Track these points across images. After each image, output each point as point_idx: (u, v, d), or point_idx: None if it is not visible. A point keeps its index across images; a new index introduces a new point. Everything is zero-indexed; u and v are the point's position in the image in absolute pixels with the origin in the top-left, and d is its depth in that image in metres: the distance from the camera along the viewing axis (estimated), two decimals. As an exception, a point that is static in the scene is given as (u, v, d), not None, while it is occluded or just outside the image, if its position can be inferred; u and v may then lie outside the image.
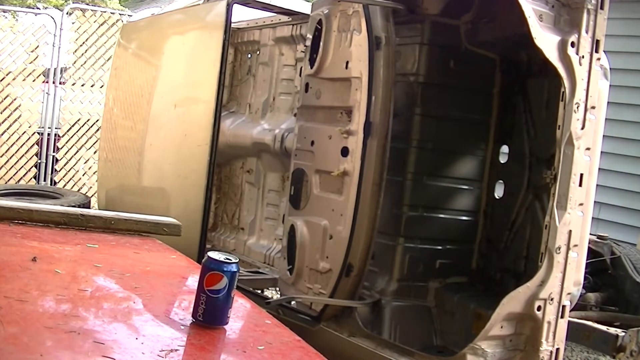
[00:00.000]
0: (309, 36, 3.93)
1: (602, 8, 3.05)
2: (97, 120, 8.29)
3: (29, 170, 8.34)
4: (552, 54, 3.01)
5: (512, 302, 3.01)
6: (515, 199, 4.05)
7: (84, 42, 8.56)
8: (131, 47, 5.56)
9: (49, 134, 8.43)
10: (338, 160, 3.61)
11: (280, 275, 4.12)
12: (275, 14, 5.00)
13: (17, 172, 8.25)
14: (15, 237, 1.99)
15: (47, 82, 8.41)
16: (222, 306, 1.51)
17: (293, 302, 3.86)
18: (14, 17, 9.03)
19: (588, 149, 3.08)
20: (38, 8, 10.78)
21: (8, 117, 8.15)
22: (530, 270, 3.35)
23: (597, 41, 3.07)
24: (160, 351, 1.34)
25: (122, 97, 5.38)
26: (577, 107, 3.01)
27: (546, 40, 3.01)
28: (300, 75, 4.44)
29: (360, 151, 3.48)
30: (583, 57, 3.03)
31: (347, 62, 3.63)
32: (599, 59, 3.09)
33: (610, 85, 3.46)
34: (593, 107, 3.06)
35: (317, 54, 3.81)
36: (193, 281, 1.69)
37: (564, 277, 3.04)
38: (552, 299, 3.02)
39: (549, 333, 3.05)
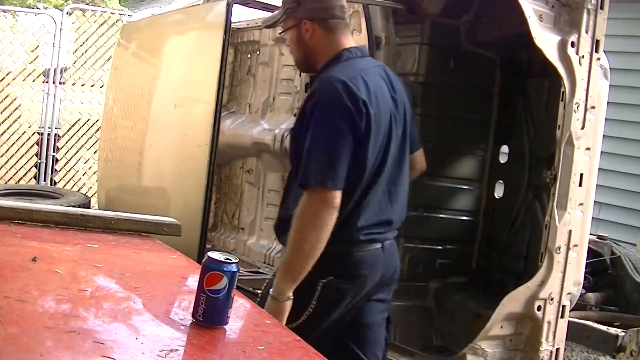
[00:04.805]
0: (309, 36, 3.92)
1: (602, 8, 3.05)
2: (97, 120, 8.28)
3: (29, 170, 8.34)
4: (552, 54, 3.01)
5: (512, 302, 3.01)
6: (515, 199, 4.05)
7: (84, 42, 8.55)
8: (131, 47, 5.56)
9: (49, 134, 8.42)
10: (338, 160, 3.60)
11: (280, 275, 4.11)
12: (275, 14, 4.99)
13: (17, 172, 8.24)
14: (15, 237, 1.99)
15: (47, 82, 8.41)
16: (222, 306, 1.51)
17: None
18: (14, 17, 9.02)
19: (588, 149, 3.08)
20: (38, 8, 10.77)
21: (8, 117, 8.14)
22: (530, 270, 3.35)
23: (597, 41, 3.07)
24: (160, 351, 1.34)
25: (122, 97, 5.38)
26: (577, 107, 3.01)
27: (546, 40, 3.01)
28: (300, 75, 4.44)
29: (360, 151, 3.47)
30: (583, 57, 3.04)
31: (347, 62, 3.62)
32: (599, 59, 3.09)
33: (610, 85, 3.46)
34: (593, 107, 3.07)
35: (317, 54, 3.80)
36: (193, 281, 1.69)
37: (564, 277, 3.04)
38: (552, 299, 3.03)
39: (549, 333, 3.05)
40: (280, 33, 2.62)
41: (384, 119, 2.47)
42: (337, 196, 2.35)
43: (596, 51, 3.07)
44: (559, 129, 3.05)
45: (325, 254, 2.31)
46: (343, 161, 2.37)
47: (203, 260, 1.53)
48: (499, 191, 4.28)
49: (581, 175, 3.06)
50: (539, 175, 3.65)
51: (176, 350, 1.38)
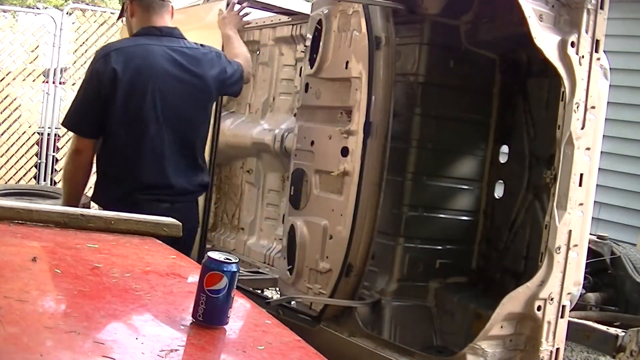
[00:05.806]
0: (309, 36, 3.93)
1: (602, 8, 3.05)
2: (97, 120, 8.27)
3: (29, 170, 8.35)
4: (552, 54, 3.01)
5: (512, 302, 3.01)
6: (515, 199, 4.05)
7: (84, 42, 8.56)
8: (131, 47, 5.55)
9: (49, 134, 8.43)
10: (338, 160, 3.61)
11: (280, 275, 4.12)
12: (275, 14, 4.99)
13: (17, 172, 8.25)
14: (15, 237, 1.99)
15: (47, 82, 8.42)
16: (222, 306, 1.51)
17: (293, 302, 3.86)
18: (14, 17, 9.03)
19: (588, 149, 3.08)
20: (38, 8, 10.78)
21: (8, 117, 8.16)
22: (530, 270, 3.35)
23: (597, 41, 3.07)
24: (160, 351, 1.34)
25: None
26: (577, 107, 3.01)
27: (546, 40, 3.00)
28: (300, 75, 4.44)
29: (360, 151, 3.48)
30: (583, 57, 3.03)
31: (347, 62, 3.63)
32: (599, 59, 3.09)
33: (610, 85, 3.46)
34: (593, 107, 3.06)
35: (317, 54, 3.81)
36: (193, 281, 1.69)
37: (564, 277, 3.04)
38: (552, 299, 3.02)
39: (549, 333, 3.05)
40: (120, 19, 3.44)
41: (141, 89, 3.06)
42: (83, 141, 3.09)
43: (596, 51, 3.07)
44: (559, 129, 3.05)
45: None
46: (89, 114, 3.07)
47: (203, 260, 1.53)
48: (499, 191, 4.27)
49: (581, 175, 3.05)
50: (539, 175, 3.65)
51: (176, 350, 1.38)
